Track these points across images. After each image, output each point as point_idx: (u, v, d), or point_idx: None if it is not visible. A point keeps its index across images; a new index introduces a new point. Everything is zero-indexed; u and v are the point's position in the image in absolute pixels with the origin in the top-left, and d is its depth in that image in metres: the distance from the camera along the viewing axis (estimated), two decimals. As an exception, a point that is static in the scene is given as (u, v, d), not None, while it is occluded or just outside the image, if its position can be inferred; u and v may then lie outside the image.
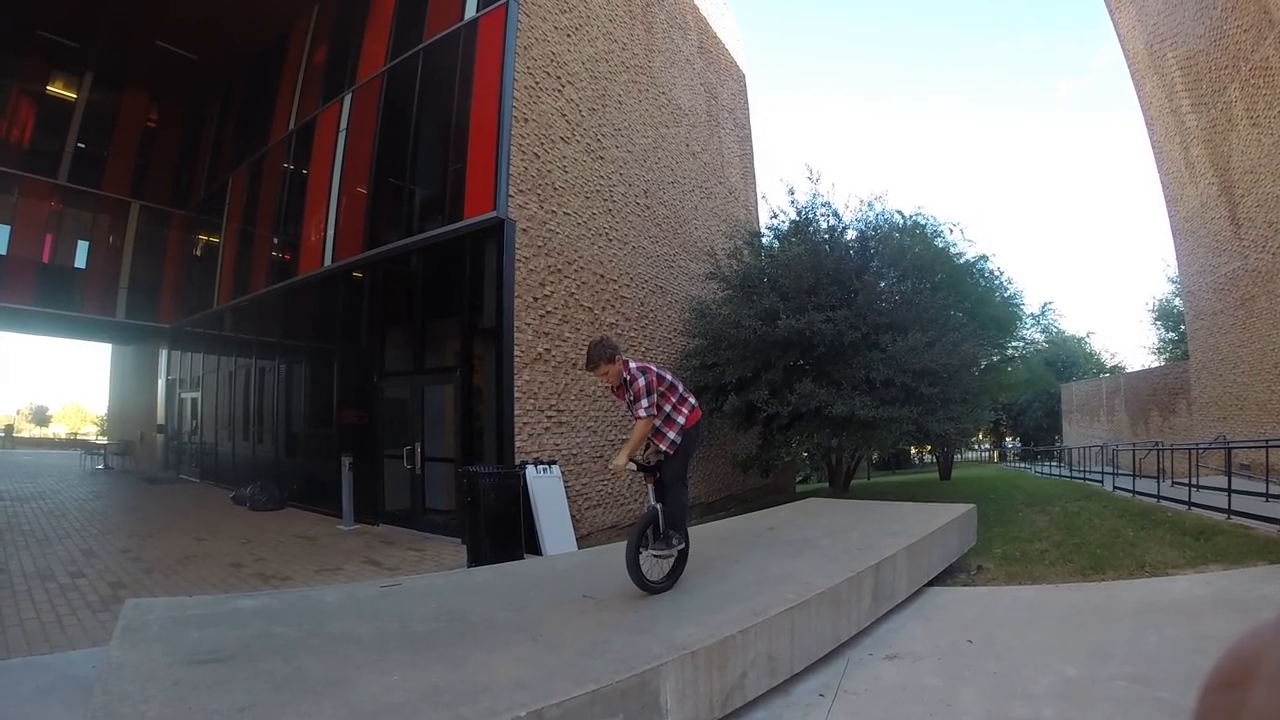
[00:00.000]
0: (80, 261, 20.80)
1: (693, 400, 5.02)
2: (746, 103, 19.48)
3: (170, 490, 17.55)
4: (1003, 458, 44.55)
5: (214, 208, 19.99)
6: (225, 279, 18.64)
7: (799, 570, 5.13)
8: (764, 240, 14.62)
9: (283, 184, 16.28)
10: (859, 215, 13.41)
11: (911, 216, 15.18)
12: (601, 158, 12.40)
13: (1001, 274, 16.35)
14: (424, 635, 3.90)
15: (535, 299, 10.67)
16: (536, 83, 10.92)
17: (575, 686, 3.05)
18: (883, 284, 12.75)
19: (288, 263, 15.47)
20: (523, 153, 10.51)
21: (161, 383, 23.59)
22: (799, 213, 13.54)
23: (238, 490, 14.80)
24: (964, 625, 5.33)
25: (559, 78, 11.44)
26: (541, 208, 10.87)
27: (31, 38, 18.15)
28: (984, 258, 15.98)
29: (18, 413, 58.49)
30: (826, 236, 13.06)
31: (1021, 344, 21.30)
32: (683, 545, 4.85)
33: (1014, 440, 45.54)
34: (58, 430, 47.26)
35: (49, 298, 19.81)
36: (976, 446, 47.15)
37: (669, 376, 4.89)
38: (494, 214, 10.08)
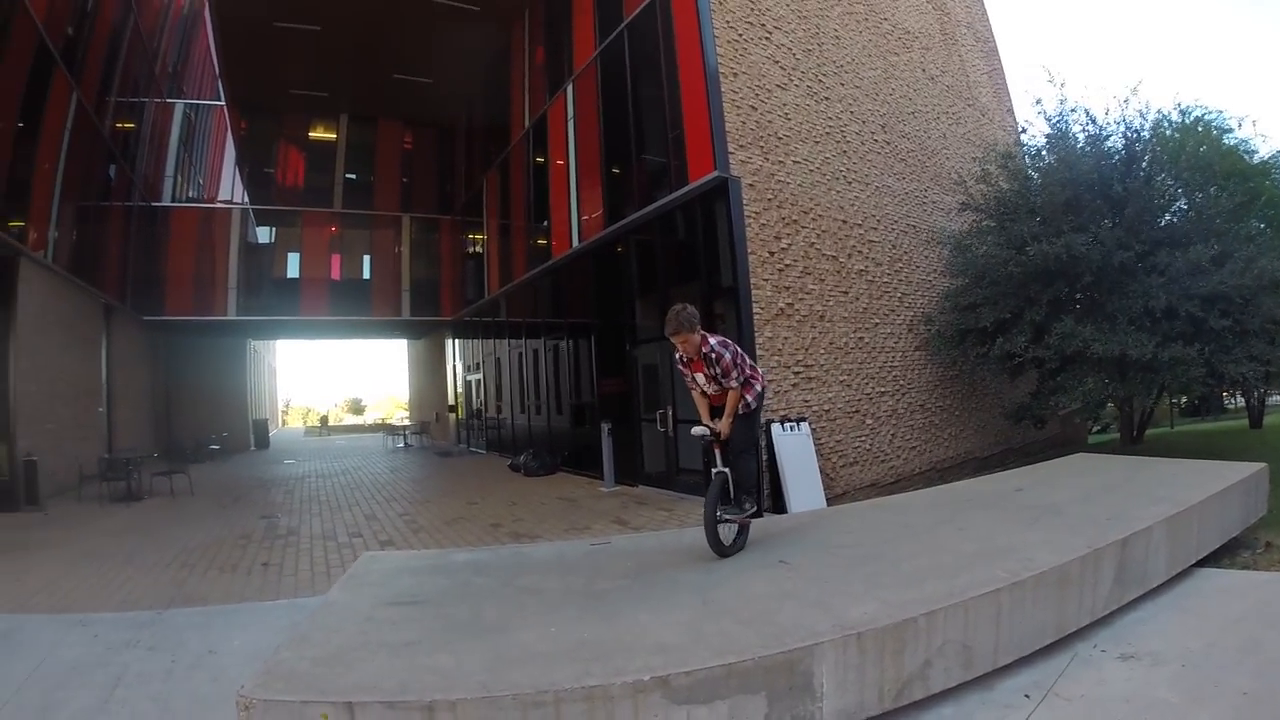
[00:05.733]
0: (366, 273, 24.13)
1: (756, 365, 5.13)
2: (985, 13, 17.45)
3: (457, 462, 19.64)
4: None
5: (474, 209, 22.05)
6: (492, 270, 20.36)
7: (1026, 543, 4.41)
8: (1018, 159, 12.73)
9: (527, 178, 17.35)
10: (1120, 115, 11.13)
11: (1187, 110, 12.55)
12: (826, 98, 11.73)
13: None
14: (602, 592, 4.04)
15: (771, 254, 10.38)
16: (739, 35, 10.52)
17: (714, 657, 2.97)
18: (1155, 190, 10.56)
19: (542, 248, 16.43)
20: (737, 108, 10.20)
21: (449, 368, 26.47)
22: (1050, 124, 11.73)
23: (514, 459, 16.22)
24: (1228, 622, 4.31)
25: (763, 25, 10.93)
26: (767, 159, 10.52)
27: (287, 98, 21.85)
28: (1289, 151, 12.90)
29: (335, 405, 67.98)
30: (1087, 148, 11.08)
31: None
32: (754, 510, 4.92)
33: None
34: (371, 418, 53.99)
35: (343, 307, 23.63)
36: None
37: (740, 349, 4.92)
38: (716, 174, 9.91)
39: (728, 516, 4.71)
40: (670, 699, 2.81)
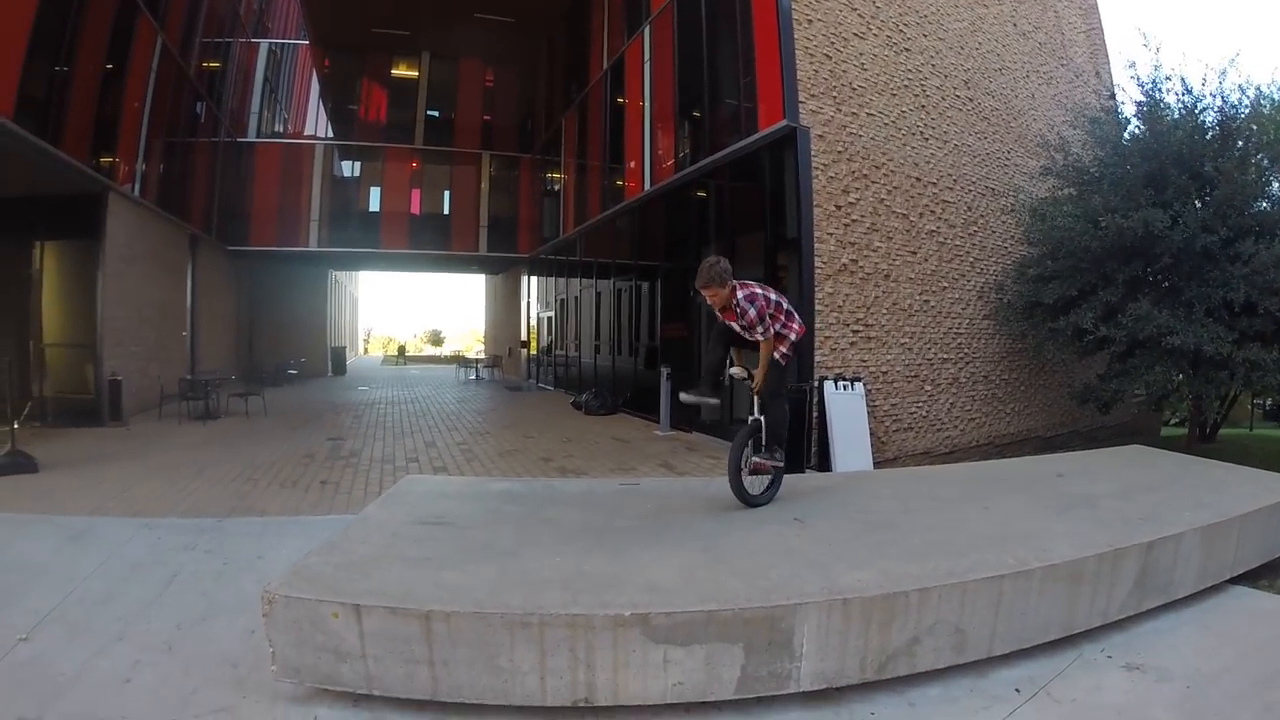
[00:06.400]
0: (445, 209, 24.61)
1: (799, 318, 5.00)
2: None
3: (524, 397, 20.19)
4: None
5: (553, 148, 22.18)
6: (568, 210, 20.56)
7: (1048, 532, 4.18)
8: (1105, 125, 11.70)
9: (604, 119, 17.27)
10: (1217, 88, 10.17)
11: None
12: (906, 50, 11.23)
13: None
14: (616, 529, 4.20)
15: (838, 207, 10.13)
16: (817, -21, 10.14)
17: (698, 602, 3.04)
18: (1251, 174, 9.53)
19: (616, 190, 16.48)
20: (810, 55, 9.88)
21: (524, 304, 27.08)
22: (1143, 90, 10.80)
23: (576, 396, 16.65)
24: (1251, 648, 3.96)
25: (843, -31, 10.50)
26: (839, 110, 10.19)
27: (369, 35, 22.08)
28: None
29: (415, 336, 70.24)
30: (1182, 120, 10.10)
31: None
32: (782, 460, 4.91)
33: None
34: (451, 350, 55.13)
35: (422, 241, 24.21)
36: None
37: (773, 296, 4.87)
38: (785, 123, 9.69)
39: (755, 459, 4.77)
40: (649, 637, 2.92)
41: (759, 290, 4.79)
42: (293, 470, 8.74)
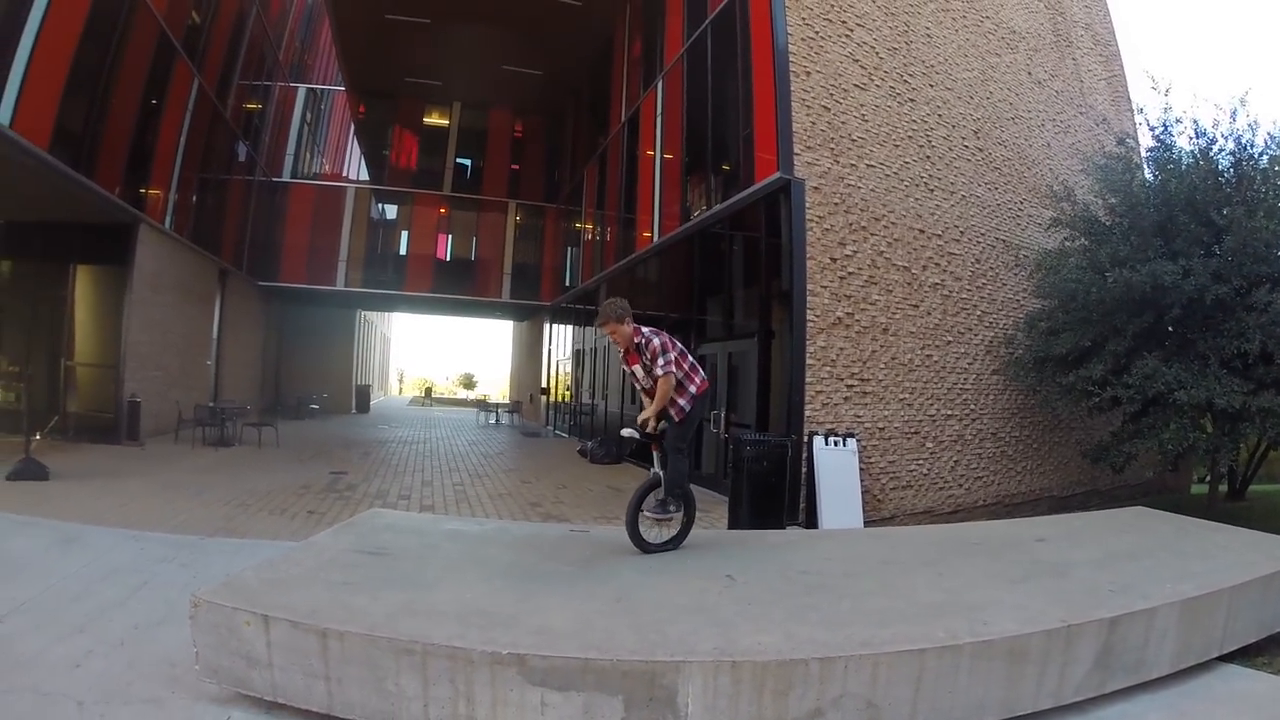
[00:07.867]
0: (470, 255, 25.25)
1: (703, 372, 5.08)
2: (1107, 13, 16.07)
3: (537, 443, 20.26)
4: None
5: (576, 198, 22.62)
6: (587, 260, 20.84)
7: (998, 603, 3.85)
8: (1116, 173, 10.87)
9: (621, 170, 17.52)
10: (1229, 129, 9.63)
11: None
12: (911, 100, 11.22)
13: None
14: (541, 573, 4.26)
15: (833, 260, 10.05)
16: (816, 32, 10.20)
17: (579, 650, 3.07)
18: (1262, 216, 8.74)
19: (629, 241, 16.62)
20: (807, 107, 9.92)
21: (545, 350, 27.38)
22: (1154, 135, 10.45)
23: (582, 444, 16.70)
24: None
25: (844, 23, 10.55)
26: (837, 162, 10.18)
27: (403, 84, 23.16)
28: None
29: (448, 379, 71.25)
30: (1193, 164, 9.64)
31: None
32: (680, 512, 4.96)
33: None
34: (485, 393, 55.55)
35: (446, 285, 24.83)
36: None
37: (679, 345, 4.97)
38: (779, 175, 9.72)
39: (648, 514, 4.84)
40: (526, 678, 2.98)
41: (666, 335, 4.91)
42: (285, 499, 8.98)
